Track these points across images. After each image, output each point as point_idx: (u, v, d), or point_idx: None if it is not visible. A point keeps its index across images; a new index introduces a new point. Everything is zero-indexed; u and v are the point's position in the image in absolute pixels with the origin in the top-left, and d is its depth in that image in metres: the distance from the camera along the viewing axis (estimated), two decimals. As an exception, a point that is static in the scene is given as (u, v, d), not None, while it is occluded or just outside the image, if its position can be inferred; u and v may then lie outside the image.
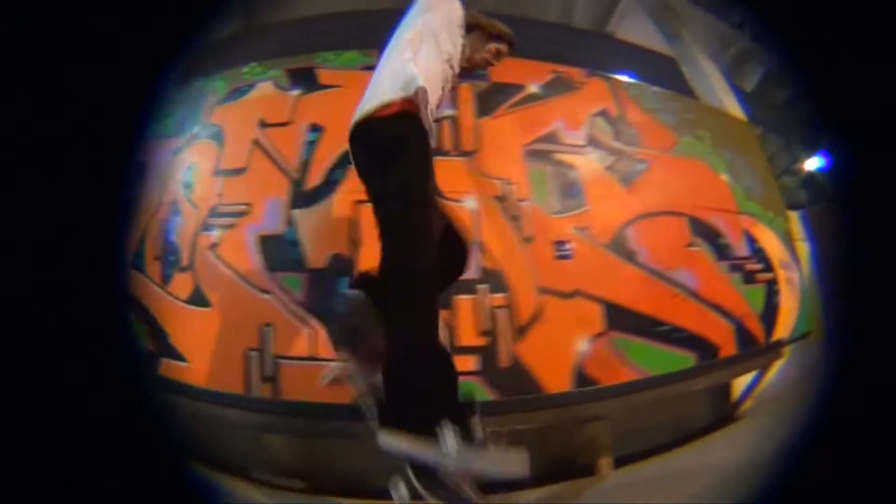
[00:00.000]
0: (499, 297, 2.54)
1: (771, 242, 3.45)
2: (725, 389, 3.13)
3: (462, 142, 2.86)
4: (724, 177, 3.38)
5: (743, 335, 3.02)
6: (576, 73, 3.22)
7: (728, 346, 2.95)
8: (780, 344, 3.23)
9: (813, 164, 9.43)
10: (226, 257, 2.66)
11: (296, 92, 2.99)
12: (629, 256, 2.83)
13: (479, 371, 2.41)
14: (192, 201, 2.84)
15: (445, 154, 2.80)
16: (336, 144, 2.75)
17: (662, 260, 2.88)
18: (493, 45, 2.02)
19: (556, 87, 3.12)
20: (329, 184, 2.72)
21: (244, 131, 2.93)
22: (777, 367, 3.26)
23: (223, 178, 2.85)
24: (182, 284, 2.68)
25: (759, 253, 3.32)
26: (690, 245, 3.02)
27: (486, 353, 2.45)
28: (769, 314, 3.22)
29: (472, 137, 2.87)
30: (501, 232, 2.70)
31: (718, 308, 2.97)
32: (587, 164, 2.97)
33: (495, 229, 2.68)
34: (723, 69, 4.56)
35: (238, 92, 3.07)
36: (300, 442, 2.48)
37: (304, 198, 2.70)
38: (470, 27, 1.95)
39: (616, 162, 3.04)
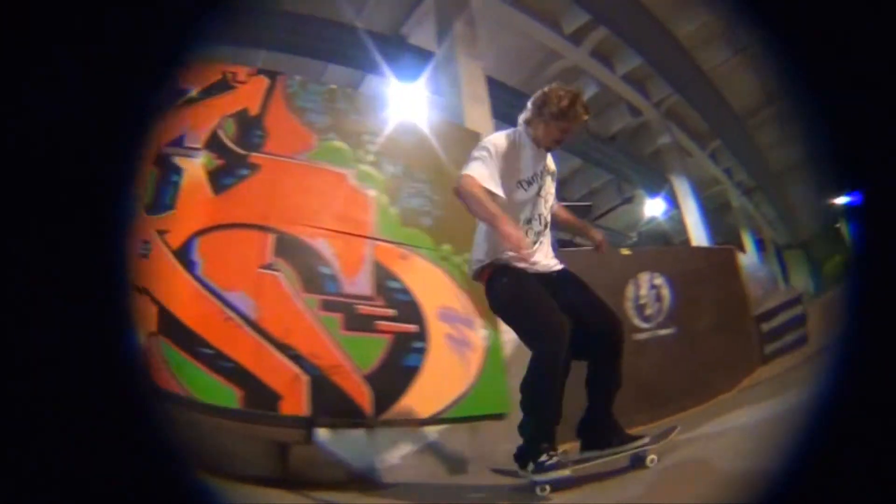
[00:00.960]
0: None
1: (430, 285, 2.72)
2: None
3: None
4: (371, 193, 2.77)
5: (331, 394, 2.48)
6: (241, 71, 3.01)
7: (295, 401, 2.47)
8: (402, 420, 2.53)
9: (654, 208, 7.88)
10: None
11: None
12: (189, 266, 2.62)
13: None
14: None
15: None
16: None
17: (220, 277, 2.59)
18: (554, 127, 2.08)
19: (215, 89, 2.96)
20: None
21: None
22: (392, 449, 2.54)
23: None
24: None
25: (393, 295, 2.64)
26: (267, 267, 2.62)
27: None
28: (391, 378, 2.55)
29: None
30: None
31: (288, 349, 2.52)
32: (192, 167, 2.74)
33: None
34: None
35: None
36: None
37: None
38: (530, 119, 2.12)
39: (220, 166, 2.80)
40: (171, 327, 2.50)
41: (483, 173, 1.94)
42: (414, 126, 3.04)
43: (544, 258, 2.09)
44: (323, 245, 2.69)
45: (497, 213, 1.86)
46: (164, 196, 2.73)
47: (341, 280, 2.66)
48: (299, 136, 2.88)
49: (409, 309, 2.68)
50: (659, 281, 3.28)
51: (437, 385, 2.61)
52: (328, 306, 2.62)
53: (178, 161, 2.79)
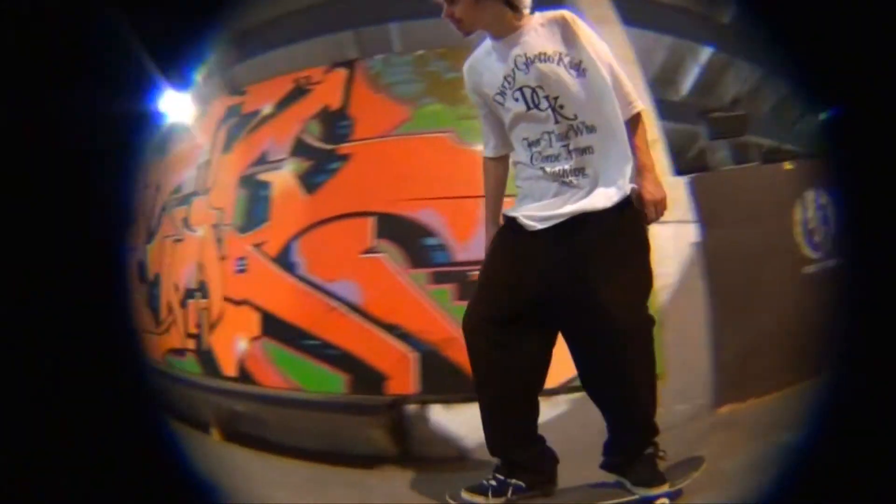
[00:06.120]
0: (203, 303, 3.10)
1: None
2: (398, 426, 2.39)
3: (206, 181, 3.29)
4: (479, 147, 2.52)
5: (444, 369, 2.35)
6: (316, 72, 3.00)
7: (403, 380, 2.41)
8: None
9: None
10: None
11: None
12: (290, 268, 2.72)
13: (194, 350, 3.10)
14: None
15: (195, 195, 3.34)
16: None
17: (323, 271, 2.64)
18: None
19: (290, 98, 3.02)
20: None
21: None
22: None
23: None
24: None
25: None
26: (369, 251, 2.55)
27: (197, 340, 3.10)
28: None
29: (212, 176, 3.25)
30: (210, 253, 3.11)
31: (394, 329, 2.45)
32: (280, 178, 2.88)
33: (207, 252, 3.14)
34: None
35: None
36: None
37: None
38: None
39: (309, 167, 2.83)
40: (275, 328, 2.71)
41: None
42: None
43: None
44: (429, 216, 2.54)
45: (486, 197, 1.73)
46: (256, 212, 2.92)
47: (452, 248, 2.49)
48: (390, 112, 2.77)
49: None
50: (825, 200, 2.56)
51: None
52: (438, 279, 2.46)
53: (263, 177, 2.94)
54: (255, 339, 2.79)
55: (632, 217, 1.48)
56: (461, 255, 2.46)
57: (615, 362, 1.46)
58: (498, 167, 1.69)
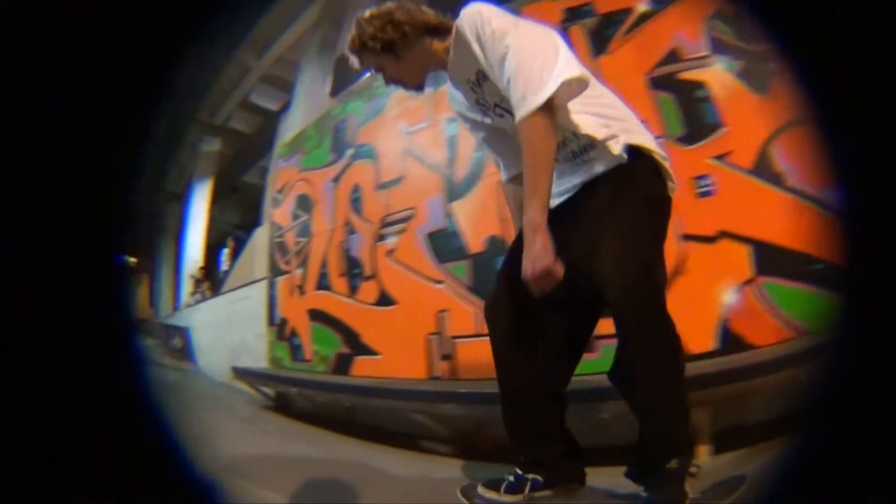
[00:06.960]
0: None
1: None
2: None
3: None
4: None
5: None
6: None
7: None
8: None
9: None
10: (402, 259, 3.10)
11: (428, 90, 3.12)
12: (777, 180, 2.14)
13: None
14: (364, 218, 3.33)
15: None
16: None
17: (814, 178, 2.12)
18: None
19: None
20: (474, 171, 2.88)
21: (393, 143, 3.27)
22: None
23: (386, 190, 3.26)
24: (369, 291, 3.23)
25: None
26: None
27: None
28: None
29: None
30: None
31: None
32: (715, 76, 2.36)
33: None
34: None
35: (376, 107, 3.40)
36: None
37: (457, 190, 2.93)
38: None
39: (745, 66, 2.37)
40: (773, 261, 2.09)
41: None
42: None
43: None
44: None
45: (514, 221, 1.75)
46: (707, 115, 2.37)
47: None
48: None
49: None
50: None
51: None
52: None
53: (687, 76, 2.45)
54: (748, 282, 2.10)
55: (623, 179, 1.32)
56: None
57: (624, 355, 1.38)
58: (517, 189, 1.57)
